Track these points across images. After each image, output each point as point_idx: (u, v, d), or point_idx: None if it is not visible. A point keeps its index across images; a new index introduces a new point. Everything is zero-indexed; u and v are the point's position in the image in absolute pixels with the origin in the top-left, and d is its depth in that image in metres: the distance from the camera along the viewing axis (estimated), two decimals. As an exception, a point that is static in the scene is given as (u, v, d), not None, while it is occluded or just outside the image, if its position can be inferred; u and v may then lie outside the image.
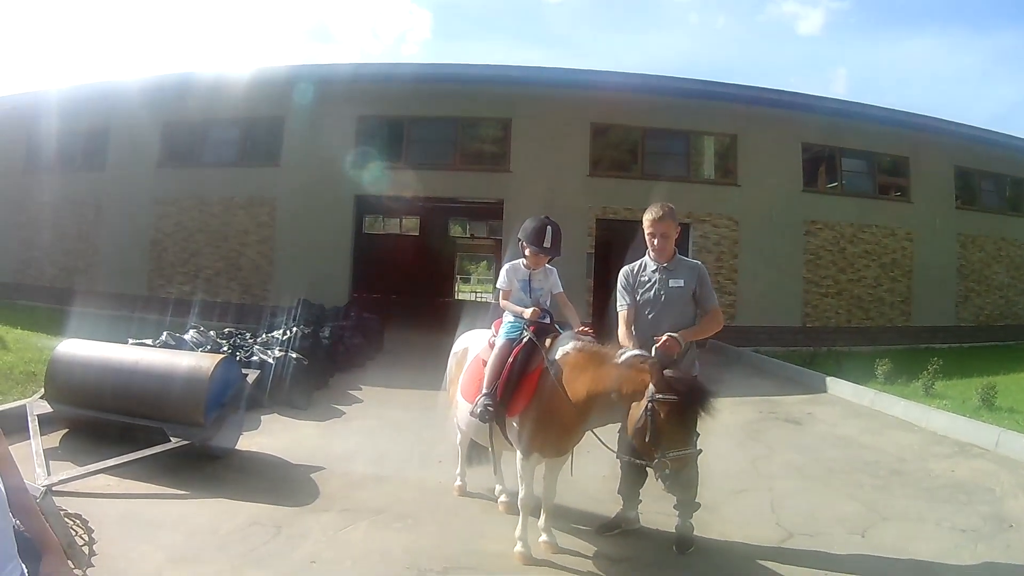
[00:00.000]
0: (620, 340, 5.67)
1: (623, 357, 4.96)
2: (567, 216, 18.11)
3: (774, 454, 9.19)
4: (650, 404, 4.63)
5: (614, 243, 20.72)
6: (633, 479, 6.00)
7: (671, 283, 5.85)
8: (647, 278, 5.98)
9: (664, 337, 5.32)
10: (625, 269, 6.16)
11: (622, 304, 6.02)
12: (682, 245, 6.09)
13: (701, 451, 4.86)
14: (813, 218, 22.56)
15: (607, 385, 4.93)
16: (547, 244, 6.00)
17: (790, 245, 22.21)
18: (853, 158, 23.92)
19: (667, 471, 4.64)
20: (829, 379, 13.97)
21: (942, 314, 23.96)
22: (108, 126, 22.32)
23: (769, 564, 5.65)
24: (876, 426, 10.84)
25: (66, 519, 4.36)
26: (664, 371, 4.68)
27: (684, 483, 4.82)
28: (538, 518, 5.71)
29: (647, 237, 6.01)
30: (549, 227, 6.02)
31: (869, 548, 6.01)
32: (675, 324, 5.67)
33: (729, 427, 8.69)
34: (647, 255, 6.07)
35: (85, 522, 4.54)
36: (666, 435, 4.61)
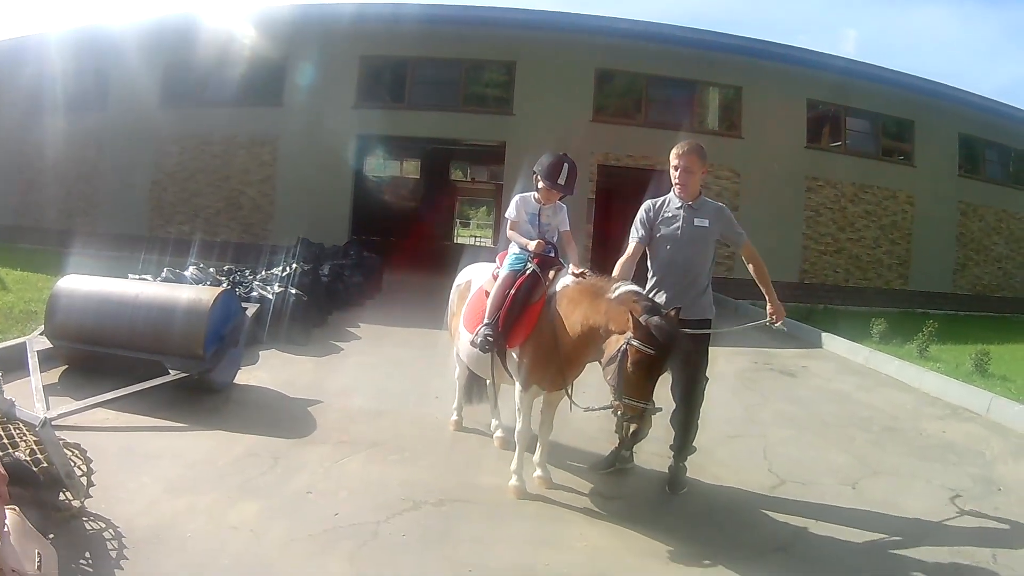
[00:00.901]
0: (615, 270, 5.59)
1: (616, 292, 4.94)
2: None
3: (768, 403, 9.28)
4: (625, 345, 4.63)
5: (614, 190, 20.80)
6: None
7: (696, 222, 5.74)
8: (671, 214, 5.85)
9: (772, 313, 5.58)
10: (648, 203, 6.03)
11: (634, 237, 5.92)
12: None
13: (660, 409, 4.85)
14: (815, 175, 22.65)
15: (599, 319, 4.93)
16: (562, 181, 5.92)
17: (791, 200, 22.36)
18: (858, 118, 24.02)
19: (619, 413, 4.70)
20: (825, 335, 14.15)
21: (939, 280, 24.17)
22: (110, 67, 22.25)
23: (761, 509, 5.70)
24: (870, 383, 10.93)
25: (65, 449, 4.37)
26: (648, 318, 4.62)
27: (635, 434, 4.73)
28: (534, 453, 5.76)
29: (671, 171, 5.88)
30: (566, 164, 5.92)
31: (860, 500, 6.06)
32: (693, 264, 5.73)
33: (725, 375, 8.74)
34: (672, 191, 5.94)
35: (83, 452, 4.54)
36: (627, 380, 4.61)
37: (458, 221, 49.90)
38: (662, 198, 5.97)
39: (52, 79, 22.16)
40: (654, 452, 6.23)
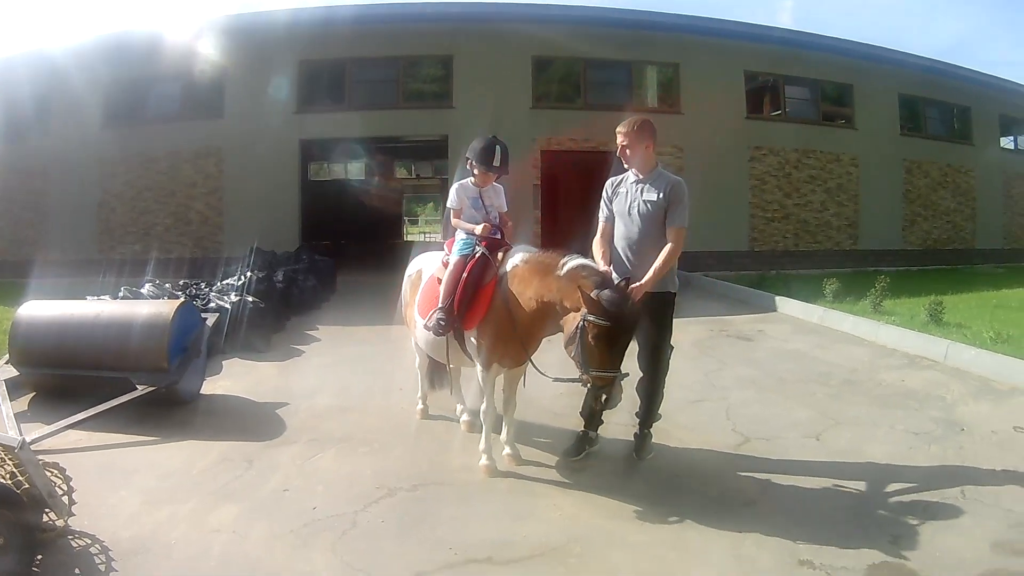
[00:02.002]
0: (593, 250, 5.77)
1: (565, 268, 5.07)
2: (512, 149, 18.17)
3: (727, 368, 9.45)
4: (583, 321, 4.78)
5: (559, 174, 20.92)
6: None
7: (645, 195, 5.75)
8: (624, 190, 5.92)
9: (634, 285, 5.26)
10: (609, 180, 6.12)
11: (600, 216, 6.05)
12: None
13: (627, 375, 4.99)
14: (757, 144, 22.92)
15: (551, 296, 5.09)
16: (496, 163, 6.07)
17: (735, 171, 22.64)
18: (797, 86, 24.40)
19: (588, 386, 4.98)
20: (778, 298, 14.32)
21: (889, 238, 24.59)
22: (49, 91, 21.81)
23: (727, 467, 5.87)
24: (826, 341, 11.13)
25: (45, 469, 4.39)
26: (599, 292, 4.78)
27: (607, 402, 4.89)
28: (501, 433, 5.91)
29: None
30: (498, 146, 6.07)
31: (824, 451, 6.25)
32: (646, 240, 5.69)
33: (681, 344, 8.81)
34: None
35: (63, 471, 4.56)
36: (591, 353, 4.79)
37: (406, 219, 49.90)
38: (623, 175, 6.03)
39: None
40: (619, 422, 6.36)
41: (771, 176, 23.12)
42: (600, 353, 4.76)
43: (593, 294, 4.73)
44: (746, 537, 4.56)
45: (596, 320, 4.70)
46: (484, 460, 5.63)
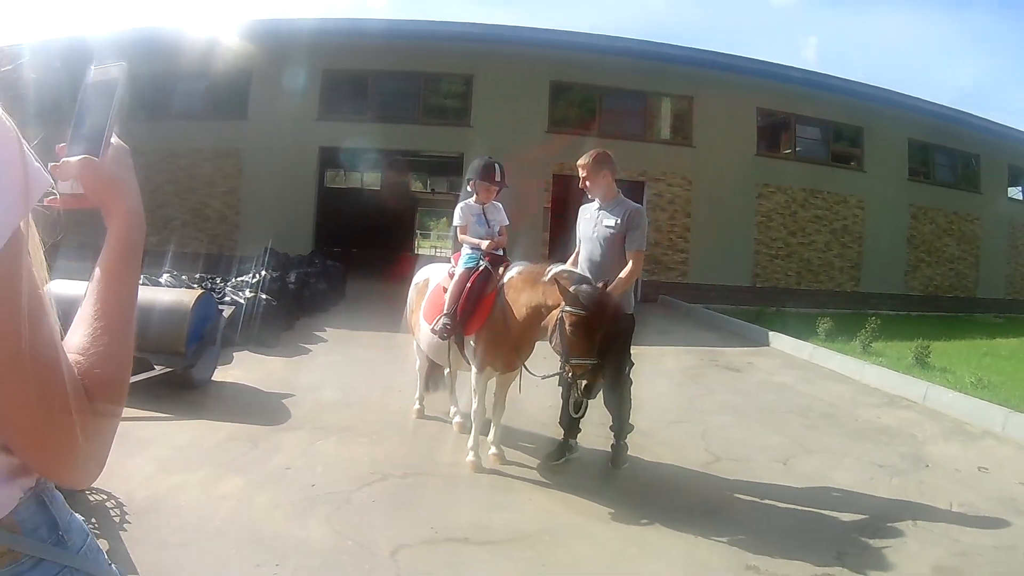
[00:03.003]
0: None
1: (549, 274, 5.47)
2: (525, 171, 18.67)
3: (711, 394, 9.75)
4: (561, 314, 5.23)
5: (570, 199, 21.26)
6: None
7: (604, 222, 6.18)
8: (588, 215, 6.40)
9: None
10: (581, 207, 6.62)
11: (576, 240, 6.55)
12: (637, 203, 6.52)
13: (602, 365, 5.27)
14: (766, 181, 23.16)
15: (538, 300, 5.55)
16: (497, 178, 6.68)
17: (742, 206, 22.86)
18: (808, 125, 24.58)
19: (569, 375, 5.32)
20: (772, 334, 14.48)
21: (891, 282, 24.73)
22: (77, 79, 22.16)
23: (696, 480, 6.26)
24: (812, 376, 11.34)
25: None
26: (576, 287, 5.23)
27: (587, 391, 5.24)
28: (488, 435, 6.35)
29: None
30: (496, 164, 6.73)
31: (790, 475, 6.54)
32: (607, 263, 6.10)
33: (671, 371, 9.14)
34: None
35: None
36: (569, 343, 5.21)
37: (419, 232, 50.14)
38: (591, 203, 6.49)
39: (21, 92, 22.25)
40: (598, 434, 6.75)
41: (777, 214, 23.39)
42: (578, 341, 5.17)
43: (571, 288, 5.20)
44: (701, 541, 4.92)
45: (573, 311, 5.13)
46: (471, 456, 6.07)
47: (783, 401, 9.64)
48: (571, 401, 5.80)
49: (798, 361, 12.77)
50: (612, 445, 6.42)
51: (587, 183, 6.33)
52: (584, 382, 5.21)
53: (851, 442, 7.77)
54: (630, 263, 6.04)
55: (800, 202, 23.67)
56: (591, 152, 6.35)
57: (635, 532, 5.07)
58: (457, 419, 7.21)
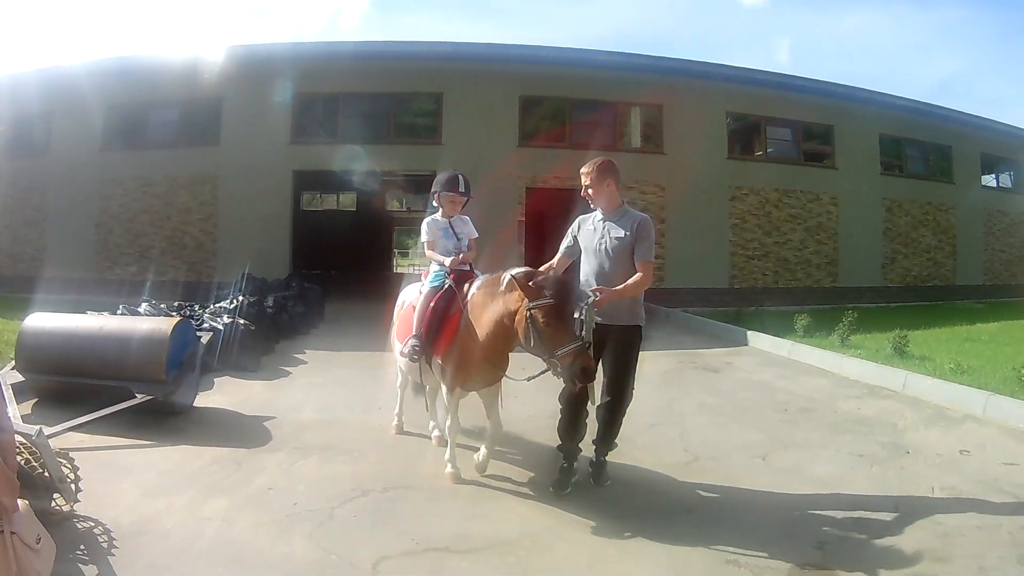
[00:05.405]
0: None
1: (504, 282, 5.48)
2: (498, 185, 18.84)
3: (688, 396, 9.81)
4: (528, 312, 5.13)
5: (544, 211, 21.34)
6: (571, 418, 6.13)
7: (612, 233, 5.93)
8: (592, 226, 6.12)
9: (596, 288, 5.60)
10: (580, 217, 6.34)
11: (561, 248, 6.32)
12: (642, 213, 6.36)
13: (590, 344, 5.25)
14: (738, 184, 23.32)
15: (500, 311, 5.48)
16: (462, 188, 6.70)
17: (716, 210, 23.02)
18: (778, 127, 24.76)
19: (559, 370, 5.11)
20: (750, 333, 14.62)
21: (869, 275, 24.95)
22: (52, 111, 22.26)
23: (674, 480, 6.33)
24: (791, 373, 11.46)
25: (57, 458, 4.90)
26: (532, 281, 5.20)
27: (584, 375, 5.08)
28: (480, 448, 6.35)
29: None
30: (459, 175, 6.75)
31: (768, 470, 6.64)
32: (616, 275, 5.84)
33: (648, 375, 9.15)
34: None
35: (72, 460, 5.06)
36: (547, 336, 5.08)
37: (396, 251, 50.13)
38: (592, 213, 6.25)
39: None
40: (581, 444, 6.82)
41: (751, 215, 23.55)
42: (555, 330, 5.07)
43: (530, 283, 5.18)
44: (681, 538, 5.01)
45: (539, 303, 5.09)
46: (449, 468, 6.13)
47: (761, 398, 9.73)
48: (577, 396, 5.74)
49: (777, 358, 12.88)
50: (591, 461, 6.31)
51: (590, 192, 6.12)
52: (578, 367, 5.06)
53: (830, 435, 7.86)
54: (639, 274, 5.80)
55: (774, 202, 23.84)
56: (595, 160, 6.13)
57: (614, 533, 5.14)
58: (436, 433, 7.23)
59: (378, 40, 21.87)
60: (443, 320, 6.11)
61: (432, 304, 6.21)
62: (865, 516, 5.47)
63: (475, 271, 6.56)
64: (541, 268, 5.91)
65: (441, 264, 6.51)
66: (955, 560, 4.70)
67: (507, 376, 5.95)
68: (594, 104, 22.93)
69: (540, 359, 5.33)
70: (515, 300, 5.33)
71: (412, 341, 6.19)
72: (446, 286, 6.30)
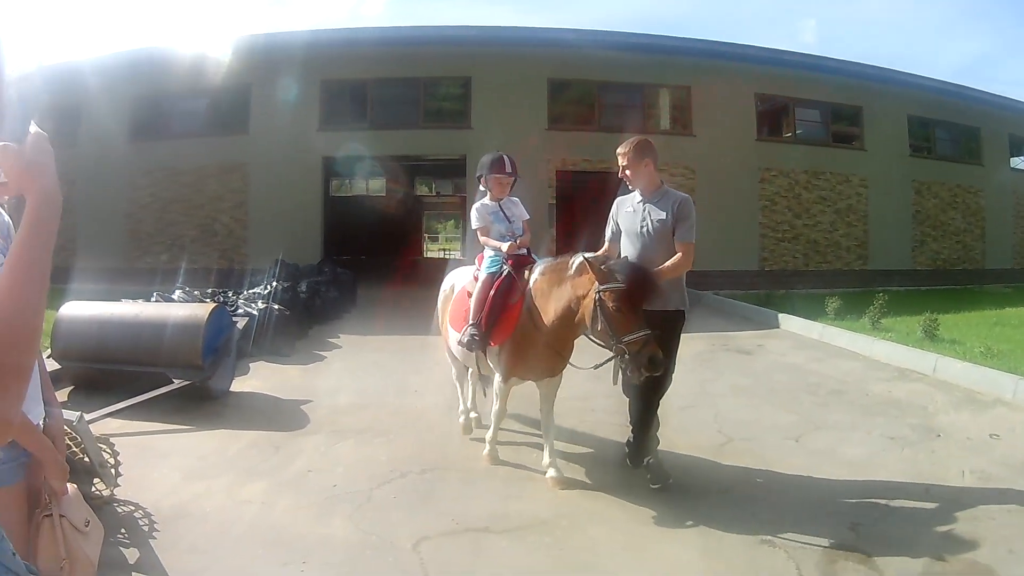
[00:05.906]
0: None
1: (573, 266, 5.33)
2: (528, 169, 18.77)
3: (721, 378, 9.83)
4: (597, 295, 5.02)
5: (574, 194, 21.35)
6: (645, 409, 5.93)
7: (654, 215, 5.78)
8: (631, 208, 5.95)
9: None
10: (618, 199, 6.18)
11: (606, 235, 6.20)
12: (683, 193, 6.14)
13: (657, 333, 5.03)
14: (767, 166, 23.25)
15: (567, 298, 5.35)
16: (508, 169, 6.39)
17: (745, 192, 23.01)
18: (807, 108, 24.58)
19: (625, 356, 4.96)
20: (781, 316, 14.60)
21: (898, 258, 24.78)
22: (80, 103, 22.23)
23: (709, 461, 6.34)
24: (823, 355, 11.42)
25: (97, 443, 4.98)
26: (604, 265, 5.13)
27: (651, 365, 4.91)
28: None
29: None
30: (504, 156, 6.45)
31: (802, 451, 6.63)
32: (658, 258, 5.67)
33: (681, 357, 9.11)
34: None
35: (112, 445, 5.14)
36: (615, 322, 4.97)
37: (426, 236, 50.13)
38: (631, 194, 6.06)
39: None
40: (612, 423, 6.92)
41: (781, 197, 23.50)
42: (623, 317, 4.96)
43: (603, 267, 5.11)
44: (715, 518, 5.03)
45: (611, 287, 4.98)
46: (487, 449, 6.15)
47: (794, 381, 9.71)
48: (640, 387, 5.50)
49: (808, 341, 12.84)
50: (628, 442, 6.19)
51: (627, 173, 5.93)
52: (645, 356, 4.93)
53: (862, 417, 7.83)
54: (679, 254, 5.68)
55: (803, 184, 23.76)
56: (631, 140, 5.94)
57: (648, 513, 5.16)
58: (462, 419, 7.09)
59: (405, 25, 21.93)
60: (503, 308, 5.88)
61: (492, 293, 5.95)
62: (895, 497, 5.45)
63: (532, 256, 6.32)
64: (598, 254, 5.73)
65: (497, 250, 6.22)
66: (985, 544, 4.67)
67: (571, 364, 5.75)
68: (622, 87, 22.94)
69: (604, 347, 5.23)
70: (585, 284, 5.21)
71: (471, 330, 5.97)
72: (504, 272, 6.04)
